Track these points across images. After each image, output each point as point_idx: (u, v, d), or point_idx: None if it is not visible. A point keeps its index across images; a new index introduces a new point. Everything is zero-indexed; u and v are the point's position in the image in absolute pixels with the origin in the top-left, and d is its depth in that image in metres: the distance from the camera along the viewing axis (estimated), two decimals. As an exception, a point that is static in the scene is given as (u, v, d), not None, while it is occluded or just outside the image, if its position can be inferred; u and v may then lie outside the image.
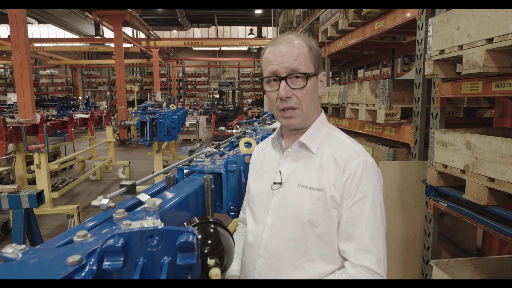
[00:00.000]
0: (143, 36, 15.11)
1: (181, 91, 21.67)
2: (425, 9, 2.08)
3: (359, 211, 0.88)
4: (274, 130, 2.46)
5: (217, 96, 13.02)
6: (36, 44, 14.66)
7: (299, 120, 0.96)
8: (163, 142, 4.67)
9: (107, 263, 0.67)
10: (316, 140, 0.98)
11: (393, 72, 4.90)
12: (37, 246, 0.73)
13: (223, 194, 1.32)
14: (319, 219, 0.90)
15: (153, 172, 4.75)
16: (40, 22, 15.69)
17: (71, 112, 7.19)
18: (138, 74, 22.47)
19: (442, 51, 1.72)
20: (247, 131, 2.29)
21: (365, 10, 2.81)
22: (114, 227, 0.83)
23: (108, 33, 17.10)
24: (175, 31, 21.75)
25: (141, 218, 0.85)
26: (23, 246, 0.68)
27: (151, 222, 0.77)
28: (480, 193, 1.50)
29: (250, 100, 20.99)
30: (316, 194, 0.91)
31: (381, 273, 0.87)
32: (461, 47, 1.58)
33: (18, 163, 4.35)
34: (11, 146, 4.40)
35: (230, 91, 12.95)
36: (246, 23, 20.71)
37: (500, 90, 1.50)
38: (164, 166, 5.27)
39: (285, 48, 0.93)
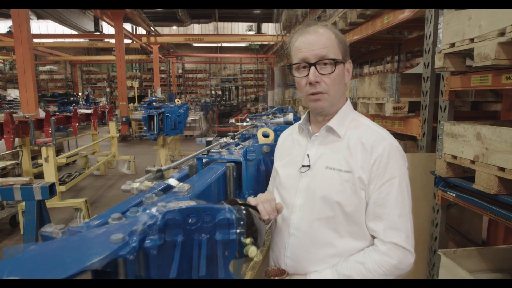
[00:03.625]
0: (143, 32, 15.03)
1: (181, 88, 21.63)
2: (434, 3, 2.11)
3: (387, 192, 0.92)
4: (286, 122, 2.50)
5: (220, 92, 13.05)
6: (35, 40, 14.55)
7: (326, 104, 1.00)
8: (169, 136, 4.70)
9: (148, 240, 0.69)
10: (344, 125, 1.02)
11: (399, 67, 4.92)
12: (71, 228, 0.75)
13: (242, 183, 1.35)
14: (348, 200, 0.94)
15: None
16: (39, 17, 15.60)
17: (75, 107, 7.19)
18: (137, 71, 22.41)
19: (453, 44, 1.75)
20: (258, 124, 2.32)
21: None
22: (148, 210, 0.86)
23: (107, 29, 17.01)
24: (175, 27, 21.65)
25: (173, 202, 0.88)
26: (62, 225, 0.70)
27: (186, 203, 0.80)
28: (490, 182, 1.53)
29: (253, 96, 20.93)
30: (344, 176, 0.95)
31: (410, 249, 0.92)
32: (472, 40, 1.61)
33: (24, 157, 4.37)
34: (16, 141, 4.42)
35: (233, 87, 12.98)
36: (246, 19, 20.66)
37: (510, 82, 1.53)
38: (172, 161, 5.30)
39: (314, 37, 0.97)
